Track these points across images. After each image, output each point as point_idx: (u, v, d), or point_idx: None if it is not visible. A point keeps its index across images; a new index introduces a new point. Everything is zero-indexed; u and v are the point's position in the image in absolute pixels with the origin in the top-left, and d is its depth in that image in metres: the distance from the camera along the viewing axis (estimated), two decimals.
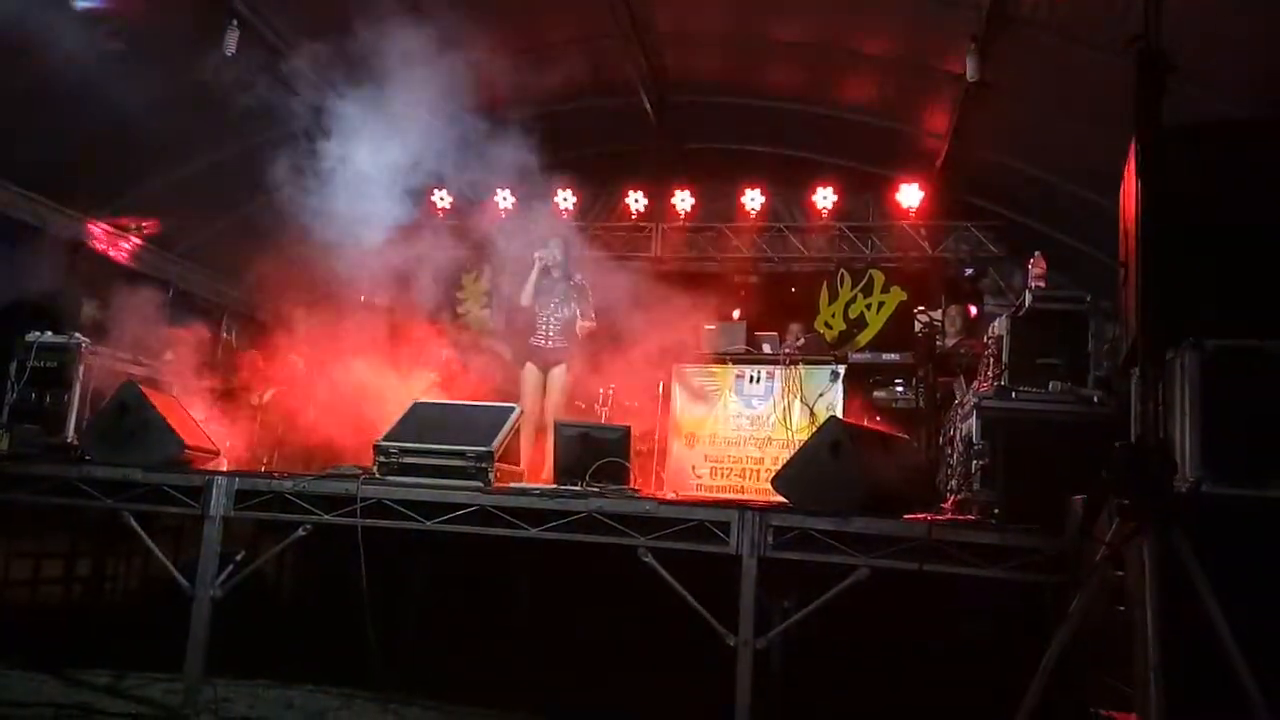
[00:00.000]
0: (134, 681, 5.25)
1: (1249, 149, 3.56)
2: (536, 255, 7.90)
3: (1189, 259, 3.23)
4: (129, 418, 5.43)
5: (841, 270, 11.98)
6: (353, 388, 7.13)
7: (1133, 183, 3.23)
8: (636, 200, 12.11)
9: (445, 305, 11.32)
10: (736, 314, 10.72)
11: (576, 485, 5.09)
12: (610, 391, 9.52)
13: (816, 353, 9.90)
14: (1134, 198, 3.19)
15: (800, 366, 9.45)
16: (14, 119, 8.18)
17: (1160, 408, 2.91)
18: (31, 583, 6.88)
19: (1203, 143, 3.53)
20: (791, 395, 9.30)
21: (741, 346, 9.97)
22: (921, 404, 8.76)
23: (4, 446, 5.91)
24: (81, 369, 6.51)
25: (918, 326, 9.82)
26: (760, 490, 8.59)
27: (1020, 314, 5.71)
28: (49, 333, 6.64)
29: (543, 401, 7.69)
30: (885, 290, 11.78)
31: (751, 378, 9.55)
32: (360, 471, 5.18)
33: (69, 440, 6.23)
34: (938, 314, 9.64)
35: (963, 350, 8.94)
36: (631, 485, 5.26)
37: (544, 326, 7.85)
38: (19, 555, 6.81)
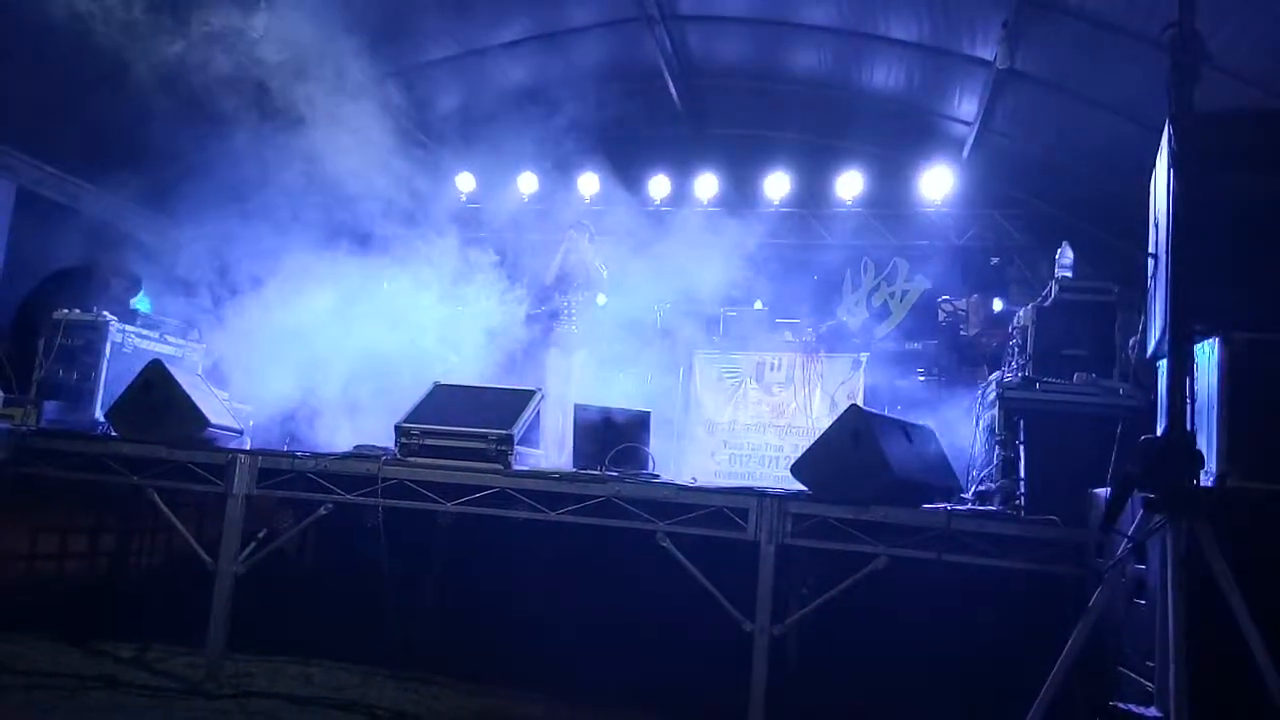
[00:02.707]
0: (157, 654, 5.32)
1: None
2: (569, 233, 7.92)
3: (1219, 250, 3.18)
4: (154, 395, 5.49)
5: (865, 258, 11.87)
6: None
7: (1165, 171, 3.18)
8: (660, 185, 12.04)
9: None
10: (759, 303, 10.65)
11: (595, 469, 5.10)
12: (631, 376, 9.54)
13: (839, 340, 9.85)
14: (1165, 187, 3.14)
15: (822, 354, 9.41)
16: (44, 98, 8.25)
17: (1188, 401, 2.87)
18: (58, 557, 6.98)
19: (1237, 131, 3.46)
20: (813, 383, 9.27)
21: (763, 333, 9.93)
22: (944, 392, 8.71)
23: (32, 422, 5.98)
24: (109, 347, 6.58)
25: (941, 315, 9.77)
26: (780, 477, 8.57)
27: (1046, 304, 5.65)
28: (77, 310, 6.71)
29: (566, 385, 7.73)
30: (909, 279, 11.67)
31: (773, 365, 9.52)
32: (382, 452, 5.21)
33: (96, 417, 6.30)
34: (962, 303, 9.59)
35: (984, 340, 8.88)
36: (650, 470, 5.27)
37: (566, 312, 7.88)
38: (46, 530, 6.91)
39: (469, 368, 7.37)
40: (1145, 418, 4.08)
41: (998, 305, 9.80)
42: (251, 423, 6.79)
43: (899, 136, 11.06)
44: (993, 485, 5.43)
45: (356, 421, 6.69)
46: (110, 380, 6.48)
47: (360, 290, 7.72)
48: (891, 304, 11.69)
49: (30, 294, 8.56)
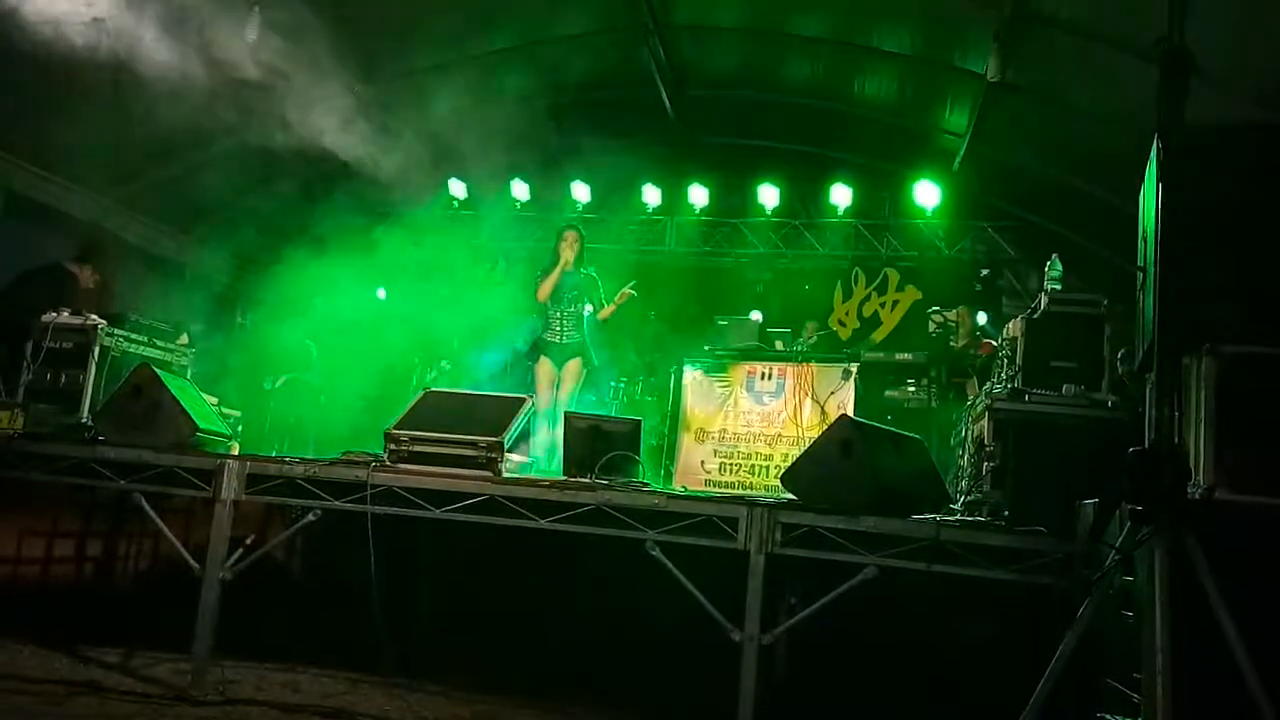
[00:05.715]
0: (143, 661, 5.28)
1: (1271, 152, 3.52)
2: (566, 236, 7.90)
3: (1207, 264, 3.20)
4: (143, 400, 5.46)
5: (856, 268, 11.93)
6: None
7: (1154, 185, 3.20)
8: (651, 193, 12.04)
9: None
10: (754, 315, 10.65)
11: (586, 477, 5.09)
12: (621, 384, 9.54)
13: (829, 350, 9.88)
14: (1154, 200, 3.16)
15: (812, 364, 9.43)
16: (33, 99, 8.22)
17: (1175, 413, 2.88)
18: (44, 561, 6.93)
19: (1225, 145, 3.49)
20: (803, 392, 9.28)
21: (754, 343, 9.95)
22: (933, 403, 8.74)
23: (19, 426, 5.94)
24: (97, 350, 6.54)
25: (931, 326, 9.82)
26: (770, 487, 8.58)
27: (1036, 316, 5.68)
28: (66, 313, 6.67)
29: (556, 394, 7.71)
30: (900, 289, 11.72)
31: (763, 374, 9.54)
32: (371, 458, 5.19)
33: (83, 421, 6.26)
34: (952, 314, 9.63)
35: (972, 351, 8.92)
36: (641, 479, 5.26)
37: (557, 323, 7.86)
38: (32, 534, 6.86)
39: (460, 375, 7.38)
40: (1133, 430, 4.09)
41: (981, 319, 9.88)
42: (240, 428, 6.78)
43: (890, 148, 11.11)
44: (981, 496, 5.44)
45: (346, 426, 6.69)
46: (98, 384, 6.45)
47: (353, 296, 7.73)
48: (882, 314, 11.73)
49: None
